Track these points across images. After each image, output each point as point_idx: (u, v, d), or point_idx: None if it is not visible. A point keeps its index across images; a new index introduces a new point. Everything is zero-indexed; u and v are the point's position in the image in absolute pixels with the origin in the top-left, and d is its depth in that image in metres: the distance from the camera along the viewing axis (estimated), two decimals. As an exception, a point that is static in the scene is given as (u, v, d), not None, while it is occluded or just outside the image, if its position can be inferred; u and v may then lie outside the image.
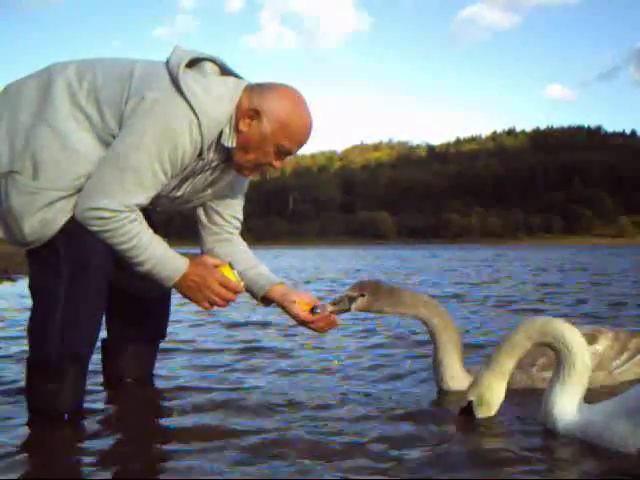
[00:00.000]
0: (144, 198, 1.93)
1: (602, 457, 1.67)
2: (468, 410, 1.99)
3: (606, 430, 1.71)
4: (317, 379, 2.71)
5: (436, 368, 2.43)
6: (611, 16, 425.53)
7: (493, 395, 1.97)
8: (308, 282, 9.38)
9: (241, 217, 2.38)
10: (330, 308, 2.29)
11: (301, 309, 2.25)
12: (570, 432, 1.80)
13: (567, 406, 1.83)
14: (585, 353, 1.86)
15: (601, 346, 2.40)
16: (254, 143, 2.01)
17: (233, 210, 2.33)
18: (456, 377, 2.37)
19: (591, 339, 2.39)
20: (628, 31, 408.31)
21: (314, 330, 2.31)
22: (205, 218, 2.30)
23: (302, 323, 2.28)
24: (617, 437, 1.68)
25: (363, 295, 2.33)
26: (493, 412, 1.99)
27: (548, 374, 2.33)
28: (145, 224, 1.97)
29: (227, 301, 2.09)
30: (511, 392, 2.32)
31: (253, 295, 2.32)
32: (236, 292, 2.09)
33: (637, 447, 1.64)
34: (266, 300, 2.30)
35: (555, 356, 1.90)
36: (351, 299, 2.34)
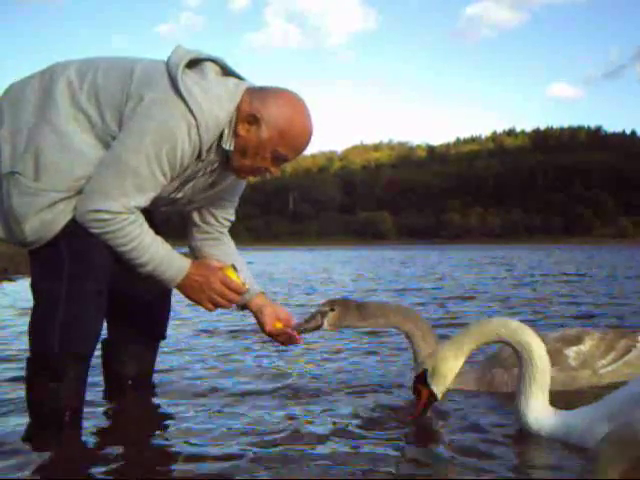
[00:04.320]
0: (144, 200, 1.93)
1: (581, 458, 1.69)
2: (422, 378, 2.01)
3: (587, 433, 1.73)
4: (314, 378, 2.74)
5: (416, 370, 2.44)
6: (618, 14, 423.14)
7: (447, 368, 1.99)
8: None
9: (233, 218, 2.39)
10: (304, 326, 2.35)
11: (270, 323, 2.28)
12: (552, 436, 1.84)
13: (542, 409, 1.88)
14: (542, 351, 1.92)
15: (586, 346, 2.44)
16: (251, 148, 2.00)
17: (227, 212, 2.34)
18: None
19: (576, 340, 2.43)
20: (635, 29, 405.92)
21: (278, 342, 2.36)
22: (198, 217, 2.31)
23: (267, 335, 2.33)
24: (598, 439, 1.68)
25: (333, 310, 2.39)
26: (445, 385, 2.01)
27: None
28: (146, 225, 1.97)
29: (230, 302, 2.10)
30: (495, 394, 2.36)
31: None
32: (239, 293, 2.10)
33: None
34: (244, 307, 2.33)
35: (517, 359, 1.96)
36: (323, 315, 2.39)
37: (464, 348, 2.00)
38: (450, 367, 2.00)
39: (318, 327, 2.40)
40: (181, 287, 2.06)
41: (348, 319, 2.41)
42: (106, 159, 1.91)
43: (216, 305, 2.09)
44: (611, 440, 1.53)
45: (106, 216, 1.87)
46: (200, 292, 2.06)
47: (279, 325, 2.28)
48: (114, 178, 1.88)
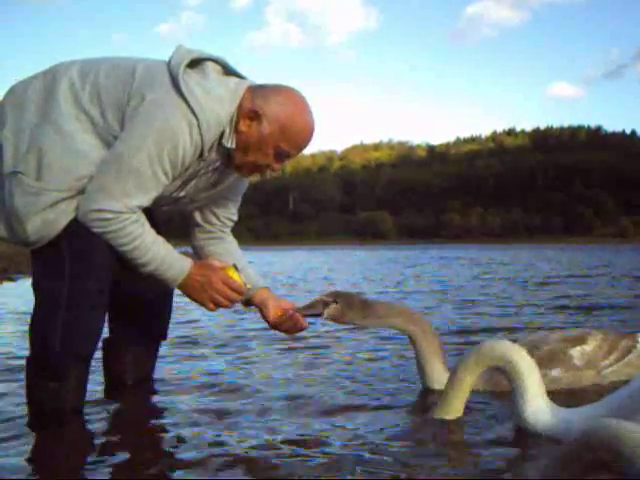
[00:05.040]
0: (146, 199, 1.93)
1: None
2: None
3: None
4: (311, 376, 2.73)
5: (420, 373, 2.48)
6: (619, 13, 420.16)
7: (453, 412, 2.00)
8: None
9: (235, 218, 2.38)
10: (303, 311, 2.30)
11: (273, 314, 2.26)
12: (550, 432, 1.82)
13: (540, 404, 1.86)
14: (523, 357, 1.91)
15: (589, 346, 2.45)
16: (253, 144, 2.01)
17: (229, 212, 2.34)
18: (439, 380, 2.40)
19: (580, 341, 2.45)
20: (635, 29, 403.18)
21: (283, 332, 2.33)
22: (200, 217, 2.30)
23: (272, 326, 2.30)
24: None
25: (336, 302, 2.35)
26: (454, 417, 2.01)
27: None
28: (148, 225, 1.97)
29: (232, 302, 2.09)
30: (502, 393, 2.35)
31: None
32: (240, 293, 2.09)
33: None
34: (248, 303, 2.31)
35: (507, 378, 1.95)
36: (325, 304, 2.35)
37: (462, 387, 1.99)
38: (455, 410, 2.00)
39: (317, 315, 2.35)
40: (183, 287, 2.05)
41: (350, 315, 2.36)
42: (108, 159, 1.91)
43: (218, 305, 2.08)
44: (580, 441, 1.46)
45: (108, 215, 1.87)
46: (202, 292, 2.05)
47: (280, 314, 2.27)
48: (116, 178, 1.88)
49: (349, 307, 2.36)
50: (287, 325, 2.27)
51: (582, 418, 1.77)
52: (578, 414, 1.81)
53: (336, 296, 2.37)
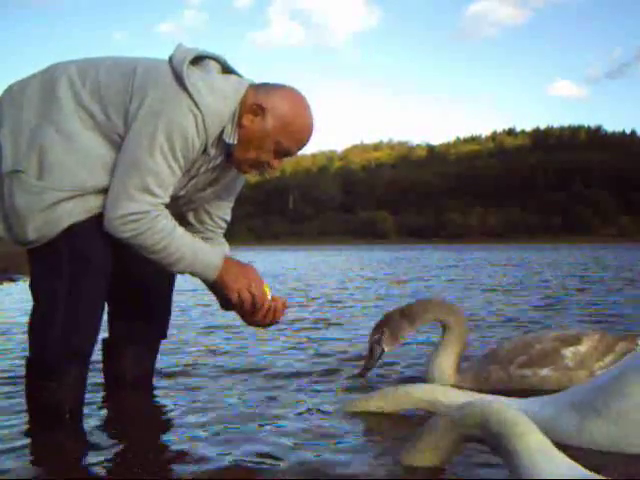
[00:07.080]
0: (167, 196, 1.95)
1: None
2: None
3: (552, 423, 1.70)
4: (323, 381, 2.72)
5: (430, 359, 2.49)
6: (622, 12, 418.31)
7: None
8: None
9: (228, 219, 2.37)
10: (369, 364, 2.47)
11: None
12: None
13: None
14: (453, 392, 1.99)
15: (583, 347, 2.43)
16: (255, 139, 2.01)
17: (222, 212, 2.33)
18: (445, 373, 2.43)
19: (574, 340, 2.43)
20: (639, 27, 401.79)
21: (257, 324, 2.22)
22: (193, 217, 2.29)
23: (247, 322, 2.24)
24: (563, 431, 1.67)
25: (384, 332, 2.45)
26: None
27: (527, 372, 2.39)
28: (174, 220, 1.99)
29: (259, 298, 2.07)
30: (489, 391, 2.36)
31: (219, 300, 2.24)
32: (264, 293, 2.10)
33: (581, 443, 1.62)
34: (224, 303, 2.20)
35: None
36: (378, 342, 2.45)
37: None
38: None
39: (381, 355, 2.47)
40: (223, 272, 2.03)
41: (401, 332, 2.46)
42: (123, 163, 1.91)
43: (249, 297, 2.06)
44: (452, 415, 1.44)
45: (138, 216, 1.87)
46: (238, 281, 2.05)
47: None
48: (135, 179, 1.88)
49: (395, 327, 2.45)
50: (267, 319, 2.16)
51: (545, 409, 1.75)
52: (538, 405, 1.80)
53: (379, 327, 2.47)
